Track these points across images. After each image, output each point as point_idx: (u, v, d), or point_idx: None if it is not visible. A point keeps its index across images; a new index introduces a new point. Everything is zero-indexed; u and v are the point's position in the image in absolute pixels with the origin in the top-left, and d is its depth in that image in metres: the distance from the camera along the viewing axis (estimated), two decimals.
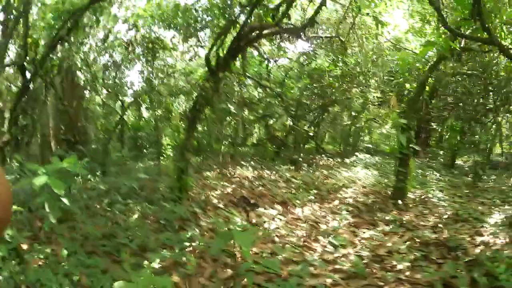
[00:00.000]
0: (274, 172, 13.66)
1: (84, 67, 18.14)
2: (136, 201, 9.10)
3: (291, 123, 15.11)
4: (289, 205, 9.73)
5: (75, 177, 9.38)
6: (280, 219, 8.46)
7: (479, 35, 6.11)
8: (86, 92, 19.89)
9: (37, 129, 17.46)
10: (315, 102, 18.47)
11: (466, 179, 14.29)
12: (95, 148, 16.94)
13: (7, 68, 15.92)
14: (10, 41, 13.24)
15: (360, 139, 23.09)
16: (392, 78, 18.72)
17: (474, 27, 5.88)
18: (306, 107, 18.05)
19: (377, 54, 16.56)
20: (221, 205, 9.59)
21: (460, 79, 13.46)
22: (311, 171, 14.28)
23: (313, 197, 10.29)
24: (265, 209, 9.09)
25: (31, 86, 14.49)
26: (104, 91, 20.96)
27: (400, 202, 9.46)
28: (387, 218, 8.60)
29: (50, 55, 13.53)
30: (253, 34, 9.44)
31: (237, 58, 11.39)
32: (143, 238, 6.55)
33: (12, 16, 11.66)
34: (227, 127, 19.84)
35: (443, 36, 10.89)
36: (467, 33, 7.02)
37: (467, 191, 12.21)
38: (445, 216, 9.11)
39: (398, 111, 9.48)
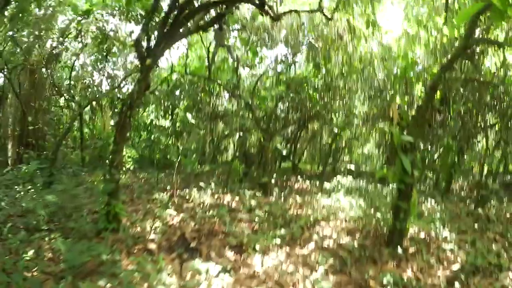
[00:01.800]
0: (237, 198, 10.65)
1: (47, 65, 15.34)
2: (46, 231, 6.64)
3: (262, 139, 12.09)
4: (245, 251, 6.71)
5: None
6: (224, 279, 5.42)
7: None
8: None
9: None
10: (292, 115, 15.54)
11: (466, 207, 11.48)
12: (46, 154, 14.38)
13: None
14: None
15: (341, 159, 20.12)
16: (379, 94, 15.88)
17: None
18: (281, 121, 15.11)
19: (366, 62, 13.72)
20: (153, 246, 6.66)
21: (465, 89, 10.60)
22: (283, 198, 11.24)
23: (279, 240, 7.22)
24: (207, 259, 6.07)
25: None
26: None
27: (399, 249, 6.49)
28: (384, 278, 5.60)
29: None
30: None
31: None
32: None
33: None
34: (192, 141, 16.92)
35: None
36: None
37: (472, 222, 9.40)
38: (458, 266, 6.59)
39: (399, 124, 6.55)
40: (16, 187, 9.76)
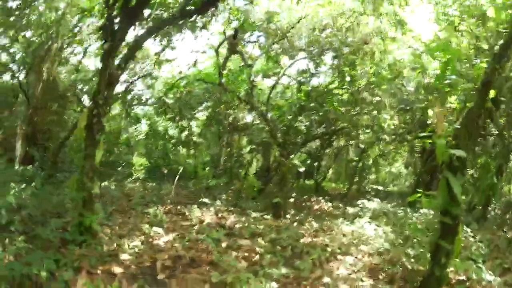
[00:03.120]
0: (243, 219, 8.82)
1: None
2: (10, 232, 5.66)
3: (278, 154, 10.26)
4: None
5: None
6: None
7: None
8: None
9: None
10: (315, 129, 13.62)
11: (504, 235, 9.39)
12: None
13: None
14: None
15: (367, 178, 17.98)
16: (408, 108, 13.84)
17: None
18: (302, 135, 13.19)
19: (395, 71, 11.75)
20: (118, 270, 5.29)
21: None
22: (296, 222, 9.31)
23: (275, 284, 5.30)
24: None
25: None
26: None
27: None
28: None
29: None
30: None
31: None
32: None
33: None
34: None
35: None
36: None
37: None
38: None
39: (446, 133, 4.63)
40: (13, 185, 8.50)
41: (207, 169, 14.80)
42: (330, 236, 8.13)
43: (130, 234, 7.05)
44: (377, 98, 12.90)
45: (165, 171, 15.22)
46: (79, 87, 15.33)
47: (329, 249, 7.15)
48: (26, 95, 13.51)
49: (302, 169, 11.13)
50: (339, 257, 6.88)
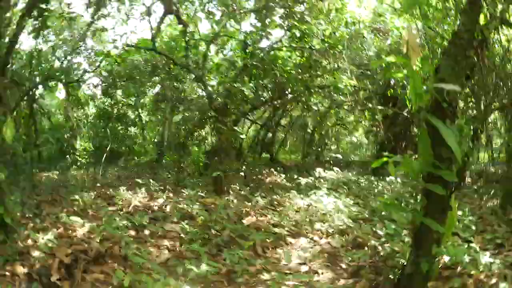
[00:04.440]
0: (177, 199, 7.17)
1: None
2: None
3: (215, 121, 8.63)
4: None
5: None
6: None
7: None
8: None
9: None
10: (264, 94, 11.97)
11: (486, 204, 8.09)
12: None
13: None
14: None
15: (326, 148, 16.53)
16: (369, 72, 12.42)
17: None
18: (249, 100, 11.49)
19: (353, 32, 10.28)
20: (21, 271, 3.93)
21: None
22: (237, 198, 7.70)
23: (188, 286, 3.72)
24: None
25: None
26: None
27: None
28: None
29: None
30: None
31: None
32: None
33: None
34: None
35: None
36: None
37: (505, 226, 5.83)
38: None
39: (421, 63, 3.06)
40: None
41: (150, 146, 13.04)
42: (280, 214, 6.59)
43: (50, 226, 5.42)
44: (334, 64, 11.42)
45: (110, 154, 13.47)
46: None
47: (277, 230, 5.61)
48: None
49: (243, 136, 9.52)
50: (289, 240, 5.36)
